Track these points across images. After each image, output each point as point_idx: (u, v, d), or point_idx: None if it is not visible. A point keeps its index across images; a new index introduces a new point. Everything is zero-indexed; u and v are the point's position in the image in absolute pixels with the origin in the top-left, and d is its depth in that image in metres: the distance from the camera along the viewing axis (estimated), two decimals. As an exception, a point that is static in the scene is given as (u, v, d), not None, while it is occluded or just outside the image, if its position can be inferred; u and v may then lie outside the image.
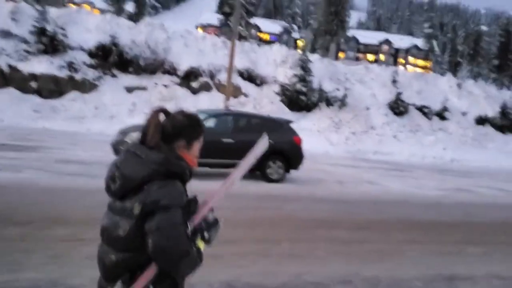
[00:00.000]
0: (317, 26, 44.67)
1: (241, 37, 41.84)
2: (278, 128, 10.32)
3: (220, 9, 44.56)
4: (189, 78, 21.11)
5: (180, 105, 20.14)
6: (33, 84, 18.07)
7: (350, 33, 72.31)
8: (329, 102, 23.35)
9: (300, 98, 22.52)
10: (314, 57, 25.44)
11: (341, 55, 63.40)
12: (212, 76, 21.47)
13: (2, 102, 16.95)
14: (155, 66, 20.69)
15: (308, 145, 19.78)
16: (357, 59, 64.01)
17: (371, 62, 54.79)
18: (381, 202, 9.10)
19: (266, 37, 66.20)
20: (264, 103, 21.94)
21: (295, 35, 59.71)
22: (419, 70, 54.91)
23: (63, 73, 18.77)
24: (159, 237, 1.67)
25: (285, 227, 6.28)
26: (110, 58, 19.80)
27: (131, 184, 1.74)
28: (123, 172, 1.77)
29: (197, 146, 1.93)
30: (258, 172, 9.75)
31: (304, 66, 23.07)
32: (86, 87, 19.04)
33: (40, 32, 18.71)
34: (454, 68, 57.55)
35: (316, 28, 44.73)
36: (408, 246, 6.01)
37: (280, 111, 22.10)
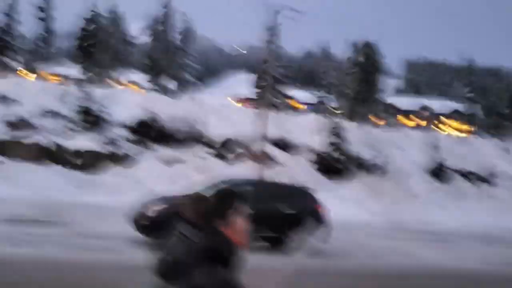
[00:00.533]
0: (352, 95, 45.07)
1: (277, 108, 42.81)
2: (302, 196, 10.14)
3: (255, 82, 46.05)
4: (224, 149, 21.51)
5: (216, 176, 20.41)
6: (77, 161, 18.86)
7: (388, 100, 72.39)
8: (367, 170, 23.05)
9: (336, 167, 22.36)
10: (349, 125, 25.51)
11: (380, 122, 63.31)
12: (247, 147, 21.77)
13: (48, 178, 17.67)
14: (193, 139, 21.28)
15: (346, 215, 19.56)
16: (398, 125, 63.69)
17: (411, 128, 54.29)
18: (410, 276, 8.62)
19: (302, 107, 67.25)
20: (299, 171, 21.87)
21: (331, 104, 60.58)
22: (462, 134, 53.90)
23: (105, 149, 19.56)
24: None
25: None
26: (150, 133, 20.55)
27: (179, 267, 1.80)
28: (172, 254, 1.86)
29: (234, 218, 1.90)
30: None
31: (339, 133, 23.12)
32: (126, 161, 19.68)
33: (85, 111, 19.79)
34: (499, 132, 56.15)
35: (351, 97, 45.13)
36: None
37: (316, 179, 21.94)
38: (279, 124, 24.18)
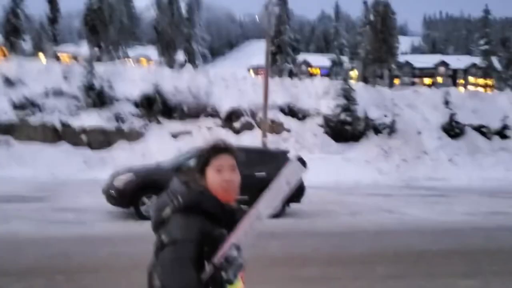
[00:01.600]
0: (365, 55, 44.04)
1: (292, 74, 42.27)
2: (274, 160, 9.92)
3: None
4: (231, 119, 21.43)
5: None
6: (84, 138, 19.04)
7: (404, 58, 70.98)
8: (377, 130, 22.75)
9: (345, 129, 22.11)
10: (357, 85, 25.08)
11: (395, 81, 62.15)
12: (253, 115, 21.64)
13: (56, 156, 17.92)
14: (198, 111, 21.21)
15: (355, 175, 19.45)
16: (413, 84, 62.42)
17: (428, 85, 53.14)
18: (386, 232, 8.49)
19: (317, 71, 66.38)
20: (307, 136, 21.73)
21: (346, 66, 59.59)
22: (480, 89, 52.54)
23: (111, 125, 19.66)
24: (161, 274, 1.59)
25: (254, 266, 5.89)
26: (154, 106, 20.54)
27: (163, 220, 1.71)
28: (157, 203, 1.78)
29: (212, 173, 1.73)
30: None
31: (347, 95, 22.74)
32: (133, 136, 19.78)
33: (88, 87, 19.83)
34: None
35: (364, 57, 44.11)
36: (392, 281, 5.45)
37: (324, 143, 21.81)
38: (287, 90, 23.90)
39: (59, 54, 48.18)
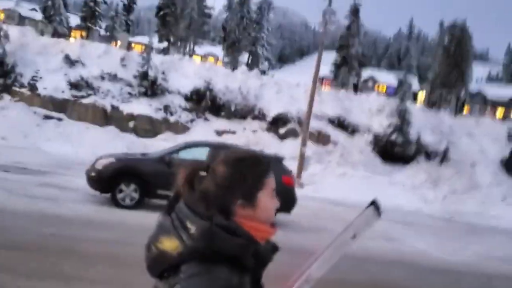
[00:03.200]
0: (433, 78, 42.32)
1: (356, 89, 41.42)
2: None
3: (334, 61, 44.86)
4: (277, 124, 21.17)
5: (266, 151, 20.21)
6: (131, 124, 19.50)
7: (477, 86, 67.74)
8: (428, 156, 21.64)
9: (394, 150, 21.20)
10: (415, 107, 24.02)
11: (465, 109, 59.38)
12: (300, 122, 21.24)
13: (101, 138, 18.45)
14: (246, 112, 21.14)
15: (398, 200, 18.56)
16: (483, 114, 59.31)
17: (499, 119, 50.22)
18: (364, 259, 7.28)
19: (383, 89, 64.68)
20: (354, 152, 21.03)
21: (413, 87, 57.76)
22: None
23: (159, 115, 20.02)
24: None
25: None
26: (203, 102, 20.69)
27: (167, 261, 1.20)
28: (158, 243, 1.22)
29: (266, 199, 1.25)
30: None
31: (402, 116, 21.82)
32: (178, 128, 20.02)
33: (143, 76, 20.30)
34: None
35: (433, 80, 42.39)
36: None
37: (370, 162, 21.02)
38: (340, 102, 23.34)
39: (132, 44, 50.14)
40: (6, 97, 18.42)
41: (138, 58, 21.31)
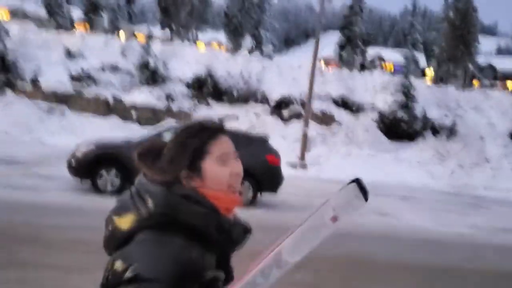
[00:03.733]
0: (439, 53, 41.66)
1: (364, 68, 40.92)
2: (248, 145, 9.11)
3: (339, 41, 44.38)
4: (280, 106, 21.04)
5: (269, 133, 20.12)
6: (133, 113, 19.52)
7: (487, 59, 66.66)
8: (435, 131, 21.39)
9: (400, 127, 20.98)
10: (420, 83, 23.67)
11: (475, 83, 58.59)
12: (303, 104, 21.07)
13: (105, 129, 18.51)
14: (248, 96, 21.03)
15: (405, 177, 18.43)
16: (494, 87, 58.34)
17: (510, 90, 49.36)
18: (350, 235, 6.85)
19: (390, 67, 63.94)
20: (359, 131, 20.86)
21: (420, 64, 57.03)
22: None
23: (161, 103, 20.00)
24: None
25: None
26: (205, 88, 20.61)
27: (122, 235, 1.13)
28: (115, 218, 1.16)
29: (212, 167, 1.17)
30: None
31: (406, 92, 21.54)
32: (181, 116, 20.00)
33: (143, 65, 20.25)
34: None
35: (439, 55, 41.73)
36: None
37: (376, 140, 20.84)
38: (344, 82, 23.10)
39: (136, 34, 50.00)
40: (9, 92, 18.51)
41: (139, 47, 21.24)
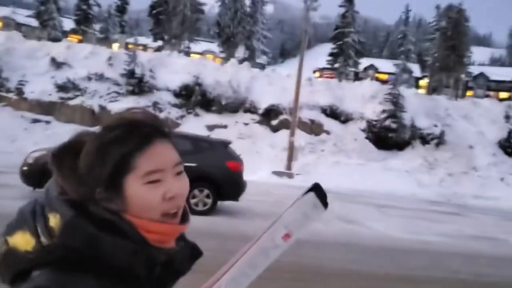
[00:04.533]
0: (432, 62, 41.81)
1: (357, 78, 40.92)
2: (207, 150, 8.87)
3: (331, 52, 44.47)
4: (269, 116, 20.93)
5: (258, 143, 19.99)
6: (120, 123, 19.35)
7: (480, 69, 67.03)
8: (424, 140, 21.30)
9: (388, 136, 20.88)
10: (408, 92, 23.64)
11: (468, 93, 58.73)
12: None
13: (90, 139, 18.35)
14: (237, 105, 20.93)
15: (393, 186, 18.28)
16: (487, 97, 58.49)
17: (502, 100, 49.53)
18: (306, 244, 6.34)
19: (384, 77, 64.13)
20: (347, 140, 20.75)
21: (412, 74, 57.21)
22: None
23: (148, 113, 19.83)
24: None
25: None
26: (193, 97, 20.49)
27: (17, 264, 0.84)
28: (9, 237, 0.86)
29: (136, 186, 0.84)
30: None
31: (395, 101, 21.48)
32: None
33: (129, 74, 20.14)
34: None
35: (432, 65, 41.88)
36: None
37: (364, 149, 20.74)
38: (332, 91, 23.03)
39: (130, 44, 50.05)
40: (-7, 102, 18.36)
41: (125, 57, 21.15)
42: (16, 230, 0.85)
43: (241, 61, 37.89)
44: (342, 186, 17.22)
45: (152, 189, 0.84)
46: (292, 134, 17.23)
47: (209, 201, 8.58)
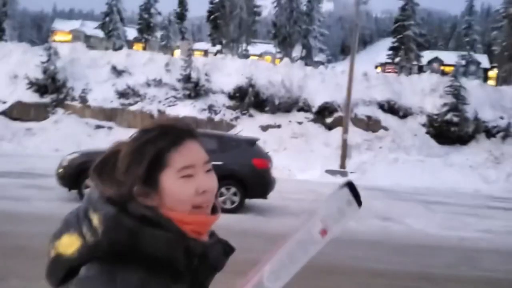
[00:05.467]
0: (500, 52, 39.49)
1: (421, 72, 39.56)
2: (233, 148, 8.76)
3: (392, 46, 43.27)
4: (323, 114, 20.71)
5: (312, 141, 19.84)
6: (177, 126, 19.94)
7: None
8: (489, 134, 20.19)
9: (450, 130, 19.98)
10: (471, 84, 22.49)
11: (544, 83, 54.78)
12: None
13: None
14: (290, 104, 20.89)
15: (455, 182, 17.47)
16: None
17: None
18: (339, 242, 6.40)
19: (450, 69, 61.44)
20: (406, 136, 20.10)
21: (485, 64, 54.31)
22: None
23: (203, 115, 20.30)
24: None
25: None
26: (246, 98, 20.70)
27: (65, 265, 0.91)
28: (56, 243, 0.94)
29: (171, 181, 0.94)
30: None
31: (456, 93, 20.53)
32: (223, 127, 20.18)
33: (186, 79, 20.68)
34: None
35: (500, 55, 39.56)
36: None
37: (424, 145, 20.01)
38: (390, 86, 22.41)
39: (192, 50, 51.50)
40: (60, 110, 19.53)
41: (181, 62, 21.75)
42: (62, 234, 0.93)
43: (297, 60, 37.80)
44: (400, 184, 16.72)
45: (186, 183, 0.94)
46: (345, 131, 16.92)
47: (237, 199, 8.60)
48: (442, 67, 65.09)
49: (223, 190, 8.54)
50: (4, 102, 20.00)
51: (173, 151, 0.94)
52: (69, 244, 0.91)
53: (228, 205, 8.53)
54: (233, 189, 8.58)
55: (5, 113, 19.70)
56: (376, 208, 10.00)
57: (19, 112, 19.79)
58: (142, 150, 0.94)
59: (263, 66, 22.71)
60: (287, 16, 40.95)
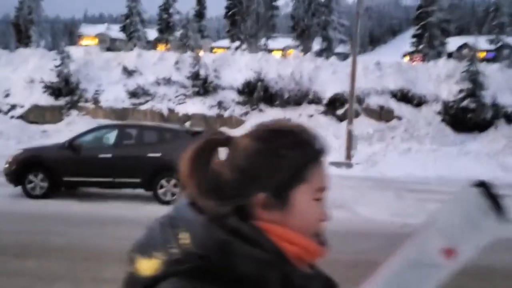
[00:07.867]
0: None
1: (450, 58, 38.39)
2: (173, 139, 8.72)
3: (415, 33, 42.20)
4: (334, 105, 20.37)
5: (322, 134, 19.54)
6: (187, 123, 20.03)
7: None
8: (509, 119, 19.39)
9: (467, 117, 19.29)
10: (491, 68, 21.62)
11: None
12: (360, 101, 20.18)
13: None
14: (300, 97, 20.64)
15: (471, 171, 16.85)
16: None
17: None
18: None
19: (481, 55, 59.40)
20: (420, 125, 19.53)
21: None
22: None
23: (213, 111, 20.33)
24: None
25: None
26: (255, 93, 20.58)
27: (143, 281, 0.78)
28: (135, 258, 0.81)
29: (305, 200, 0.81)
30: (149, 191, 8.66)
31: (473, 79, 19.79)
32: (233, 123, 20.16)
33: (194, 76, 20.75)
34: None
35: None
36: None
37: (439, 133, 19.40)
38: (403, 74, 21.83)
39: (213, 48, 51.65)
40: (73, 112, 19.96)
41: (190, 59, 21.83)
42: (143, 250, 0.80)
43: (318, 53, 37.29)
44: (413, 174, 16.25)
45: (316, 207, 0.82)
46: (350, 122, 16.59)
47: (178, 190, 8.62)
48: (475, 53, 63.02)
49: (163, 182, 8.64)
50: (22, 106, 20.62)
51: (312, 166, 0.81)
52: (151, 266, 0.77)
53: (168, 197, 8.62)
54: (173, 181, 8.59)
55: (22, 117, 20.32)
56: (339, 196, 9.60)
57: (35, 116, 20.37)
58: (284, 154, 0.79)
59: (273, 60, 22.55)
60: (305, 8, 40.52)
